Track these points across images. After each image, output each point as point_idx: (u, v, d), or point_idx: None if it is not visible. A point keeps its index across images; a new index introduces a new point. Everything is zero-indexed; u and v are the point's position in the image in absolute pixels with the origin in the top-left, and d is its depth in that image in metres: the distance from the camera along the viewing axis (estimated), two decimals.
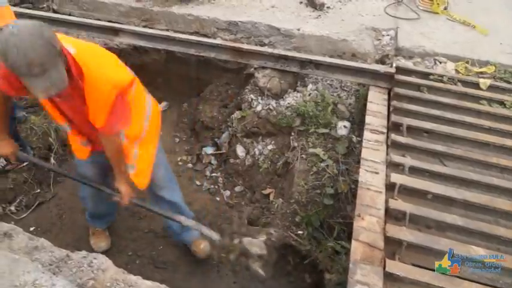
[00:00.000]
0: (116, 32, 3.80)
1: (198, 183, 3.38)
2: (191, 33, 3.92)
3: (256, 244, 2.68)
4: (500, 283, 1.92)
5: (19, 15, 3.97)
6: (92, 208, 2.70)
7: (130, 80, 1.89)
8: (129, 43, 3.89)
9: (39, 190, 3.24)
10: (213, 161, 3.52)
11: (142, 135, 2.18)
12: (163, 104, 4.06)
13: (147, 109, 2.19)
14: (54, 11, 4.24)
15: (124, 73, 1.89)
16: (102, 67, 1.78)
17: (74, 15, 4.14)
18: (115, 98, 1.77)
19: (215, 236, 2.30)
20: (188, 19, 4.01)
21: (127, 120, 1.97)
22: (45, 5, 4.31)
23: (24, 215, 3.09)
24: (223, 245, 2.20)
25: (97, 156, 2.20)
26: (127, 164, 2.13)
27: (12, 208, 3.13)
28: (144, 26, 4.03)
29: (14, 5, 4.03)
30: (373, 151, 2.63)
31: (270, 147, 3.29)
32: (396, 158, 2.55)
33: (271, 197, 3.05)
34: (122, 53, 3.96)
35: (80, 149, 2.20)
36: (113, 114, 1.81)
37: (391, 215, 2.20)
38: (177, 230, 2.64)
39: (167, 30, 3.97)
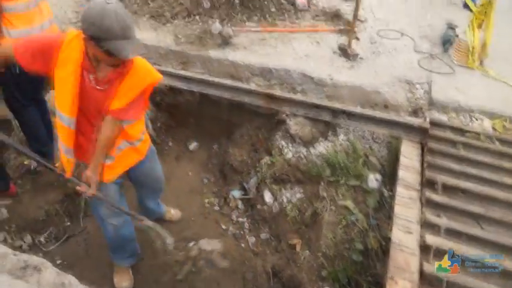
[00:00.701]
0: None
1: (223, 227, 3.35)
2: (226, 77, 4.03)
3: (212, 243, 3.00)
4: None
5: None
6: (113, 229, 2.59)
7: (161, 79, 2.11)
8: (166, 84, 4.03)
9: (69, 223, 3.29)
10: (240, 205, 3.49)
11: (135, 142, 2.27)
12: (194, 144, 4.12)
13: (144, 127, 2.38)
14: None
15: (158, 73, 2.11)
16: (145, 62, 2.06)
17: None
18: (145, 89, 2.03)
19: (169, 239, 2.48)
20: (224, 63, 4.14)
21: (138, 114, 2.15)
22: None
23: (53, 247, 3.13)
24: (178, 248, 2.43)
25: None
26: (108, 155, 2.16)
27: (42, 239, 3.17)
28: (182, 68, 4.18)
29: None
30: (407, 208, 2.57)
31: (298, 195, 3.26)
32: (431, 217, 2.47)
33: (297, 248, 2.98)
34: (158, 92, 4.11)
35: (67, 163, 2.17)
36: (133, 102, 2.01)
37: (426, 280, 2.10)
38: (152, 210, 3.04)
39: (202, 73, 4.11)
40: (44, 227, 3.18)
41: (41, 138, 3.21)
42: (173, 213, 3.33)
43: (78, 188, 2.17)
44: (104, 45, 1.74)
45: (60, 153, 2.17)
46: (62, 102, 1.98)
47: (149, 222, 2.47)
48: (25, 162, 3.42)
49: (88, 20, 1.72)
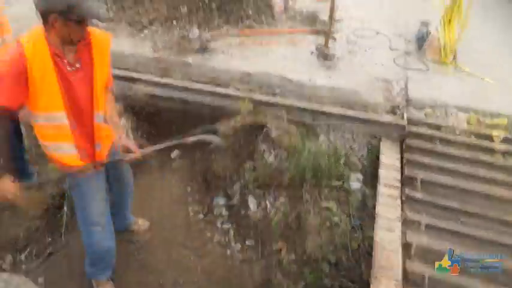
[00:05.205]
0: (133, 80, 3.95)
1: (208, 234, 3.34)
2: (205, 83, 4.02)
3: None
4: None
5: None
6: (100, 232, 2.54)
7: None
8: (146, 92, 3.99)
9: (50, 239, 3.22)
10: (224, 212, 3.48)
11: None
12: (176, 152, 4.09)
13: None
14: None
15: None
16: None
17: None
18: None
19: (217, 139, 2.58)
20: (203, 69, 4.13)
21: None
22: None
23: (34, 265, 3.06)
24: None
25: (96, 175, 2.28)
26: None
27: (23, 257, 3.11)
28: (161, 75, 4.15)
29: None
30: (388, 207, 2.61)
31: (281, 199, 3.27)
32: (411, 214, 2.52)
33: (282, 253, 2.99)
34: (138, 101, 4.06)
35: (75, 162, 2.17)
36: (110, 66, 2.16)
37: (409, 279, 2.14)
38: (121, 220, 2.94)
39: (182, 79, 4.08)
40: (25, 245, 3.11)
41: (16, 154, 3.14)
42: (141, 223, 3.26)
43: (129, 159, 2.27)
44: (74, 14, 1.78)
45: (65, 155, 2.14)
46: (50, 101, 1.95)
47: (191, 138, 2.46)
48: None
49: None
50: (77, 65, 1.99)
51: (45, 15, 1.81)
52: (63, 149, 2.12)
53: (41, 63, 1.87)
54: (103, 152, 2.29)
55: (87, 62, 2.02)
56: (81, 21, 1.84)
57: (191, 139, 2.41)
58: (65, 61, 1.95)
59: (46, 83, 1.90)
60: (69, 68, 1.97)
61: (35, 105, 1.96)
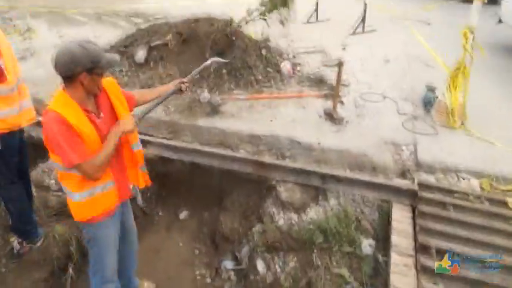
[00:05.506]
0: (144, 143, 4.02)
1: None
2: (215, 145, 4.09)
3: None
4: None
5: None
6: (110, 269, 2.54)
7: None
8: (157, 154, 4.06)
9: None
10: (233, 277, 3.38)
11: None
12: (184, 213, 4.07)
13: None
14: None
15: None
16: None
17: None
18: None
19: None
20: (213, 131, 4.22)
21: None
22: None
23: None
24: None
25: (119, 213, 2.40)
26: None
27: None
28: (172, 137, 4.24)
29: None
30: (403, 277, 2.51)
31: (291, 263, 3.17)
32: (428, 286, 2.41)
33: None
34: (149, 162, 4.11)
35: (109, 198, 2.25)
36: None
37: None
38: (124, 284, 2.78)
39: (192, 142, 4.16)
40: None
41: (25, 215, 3.17)
42: (146, 286, 3.16)
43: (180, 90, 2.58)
44: (98, 68, 1.98)
45: (108, 192, 2.24)
46: (94, 150, 2.05)
47: (208, 62, 2.83)
48: (11, 240, 3.34)
49: (79, 60, 1.91)
50: (101, 114, 2.15)
51: (72, 77, 1.95)
52: (108, 185, 2.22)
53: (79, 121, 2.00)
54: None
55: (107, 108, 2.19)
56: (102, 73, 2.05)
57: (208, 63, 2.83)
58: (93, 114, 2.10)
59: (87, 137, 2.02)
60: (98, 119, 2.11)
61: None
